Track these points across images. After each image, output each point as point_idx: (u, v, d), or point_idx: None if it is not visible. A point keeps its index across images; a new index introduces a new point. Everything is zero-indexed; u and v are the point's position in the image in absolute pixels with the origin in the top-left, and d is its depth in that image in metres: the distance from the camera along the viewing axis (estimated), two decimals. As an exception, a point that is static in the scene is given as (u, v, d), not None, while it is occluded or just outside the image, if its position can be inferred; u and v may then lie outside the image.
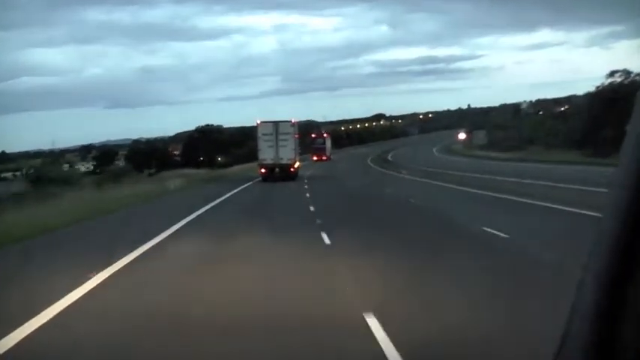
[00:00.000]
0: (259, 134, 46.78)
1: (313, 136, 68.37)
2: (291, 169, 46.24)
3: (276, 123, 46.79)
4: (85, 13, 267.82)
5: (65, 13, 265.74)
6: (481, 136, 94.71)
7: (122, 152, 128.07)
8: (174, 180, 41.93)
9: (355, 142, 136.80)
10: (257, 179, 47.18)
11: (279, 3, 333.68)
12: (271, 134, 46.12)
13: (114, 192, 32.13)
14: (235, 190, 36.21)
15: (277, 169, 45.72)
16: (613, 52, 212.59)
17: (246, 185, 42.01)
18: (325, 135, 70.15)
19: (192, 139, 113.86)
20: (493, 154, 75.56)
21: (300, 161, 50.89)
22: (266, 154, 45.92)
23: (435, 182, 37.95)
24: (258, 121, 47.69)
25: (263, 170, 46.17)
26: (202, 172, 66.87)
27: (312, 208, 23.35)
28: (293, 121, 48.44)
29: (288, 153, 45.96)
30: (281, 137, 45.88)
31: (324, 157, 69.19)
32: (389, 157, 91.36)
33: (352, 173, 54.99)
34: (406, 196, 28.33)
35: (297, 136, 47.94)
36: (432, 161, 71.65)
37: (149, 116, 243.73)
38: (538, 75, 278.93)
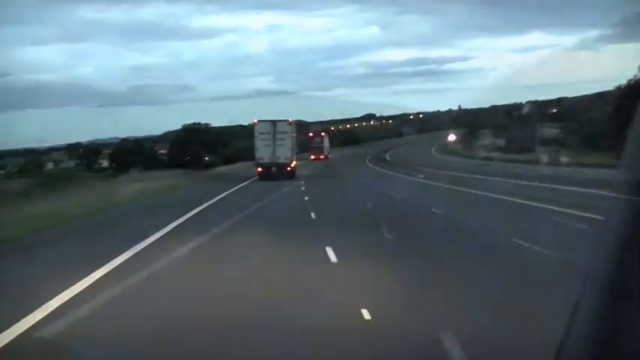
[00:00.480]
0: (256, 133, 44.40)
1: (311, 135, 61.76)
2: (288, 169, 44.08)
3: (273, 122, 44.55)
4: (76, 11, 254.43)
5: (57, 10, 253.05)
6: (487, 135, 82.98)
7: (106, 151, 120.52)
8: (133, 185, 30.70)
9: (349, 142, 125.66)
10: (243, 183, 39.35)
11: (271, 3, 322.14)
12: (268, 133, 43.86)
13: (23, 209, 20.79)
14: (198, 209, 24.82)
15: (274, 169, 43.35)
16: (602, 55, 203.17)
17: (225, 194, 30.77)
18: (323, 134, 62.90)
19: (179, 137, 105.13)
20: (508, 156, 64.73)
21: (297, 160, 47.90)
22: (263, 153, 43.82)
23: (481, 193, 26.62)
24: (256, 120, 45.59)
25: (260, 169, 43.89)
26: (181, 172, 56.51)
27: (331, 256, 11.85)
28: (290, 120, 46.27)
29: (285, 152, 43.69)
30: (278, 136, 43.62)
31: (322, 156, 64.96)
32: (388, 157, 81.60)
33: (360, 177, 44.06)
34: (467, 219, 17.34)
35: (294, 135, 45.51)
36: (443, 163, 61.58)
37: (140, 115, 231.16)
38: (528, 77, 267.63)
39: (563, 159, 43.96)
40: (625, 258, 1.31)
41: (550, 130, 64.69)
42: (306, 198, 26.79)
